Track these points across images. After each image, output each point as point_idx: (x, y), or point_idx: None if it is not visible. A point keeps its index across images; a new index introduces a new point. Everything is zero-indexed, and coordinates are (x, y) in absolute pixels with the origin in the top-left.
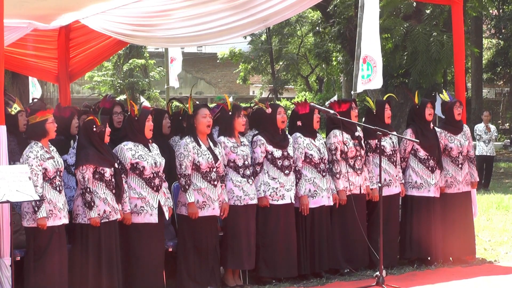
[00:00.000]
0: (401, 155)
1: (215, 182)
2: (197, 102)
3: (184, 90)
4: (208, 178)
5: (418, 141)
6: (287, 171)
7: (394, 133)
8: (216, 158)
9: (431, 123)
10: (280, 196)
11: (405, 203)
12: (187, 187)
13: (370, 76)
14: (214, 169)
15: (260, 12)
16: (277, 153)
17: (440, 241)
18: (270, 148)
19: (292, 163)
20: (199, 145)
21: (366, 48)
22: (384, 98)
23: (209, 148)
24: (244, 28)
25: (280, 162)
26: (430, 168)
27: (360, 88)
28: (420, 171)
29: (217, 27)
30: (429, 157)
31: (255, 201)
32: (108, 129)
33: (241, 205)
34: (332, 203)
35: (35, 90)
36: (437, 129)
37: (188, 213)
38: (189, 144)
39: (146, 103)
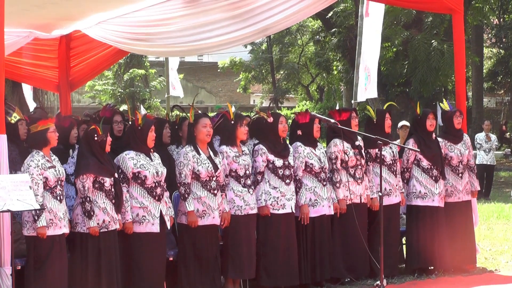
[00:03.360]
0: (404, 165)
1: (215, 191)
2: (199, 111)
3: (185, 99)
4: (208, 187)
5: (419, 150)
6: (288, 181)
7: (395, 142)
8: (216, 167)
9: (433, 133)
10: (281, 205)
11: (410, 213)
12: (186, 195)
13: (365, 85)
14: (214, 178)
15: (260, 22)
16: (278, 162)
17: (442, 250)
18: (271, 157)
19: (292, 172)
20: (199, 154)
21: (365, 57)
22: (385, 107)
23: (209, 157)
24: (244, 37)
25: (281, 172)
26: (433, 178)
27: (359, 97)
28: (424, 181)
29: (217, 37)
30: (432, 166)
31: (255, 211)
32: (109, 139)
33: (241, 214)
34: (332, 212)
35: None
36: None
37: (188, 221)
38: (189, 153)
39: (143, 111)
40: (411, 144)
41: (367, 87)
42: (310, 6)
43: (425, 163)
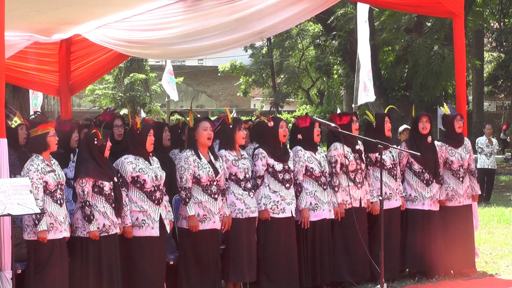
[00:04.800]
0: None
1: (216, 196)
2: (198, 115)
3: (185, 103)
4: (209, 191)
5: (419, 154)
6: (287, 185)
7: (395, 146)
8: (216, 172)
9: (429, 136)
10: (281, 209)
11: (401, 216)
12: (187, 200)
13: (369, 90)
14: (215, 183)
15: (257, 25)
16: (278, 166)
17: (441, 254)
18: (271, 161)
19: (292, 176)
20: (200, 158)
21: (364, 61)
22: (386, 111)
23: (210, 162)
24: (240, 40)
25: (281, 176)
26: (425, 181)
27: (360, 101)
28: (414, 184)
29: (214, 39)
30: (424, 170)
31: (256, 214)
32: (109, 144)
33: (242, 218)
34: (333, 216)
35: (36, 102)
36: (437, 142)
37: (189, 226)
38: (190, 157)
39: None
40: (403, 147)
41: (369, 91)
42: (306, 10)
43: (416, 166)
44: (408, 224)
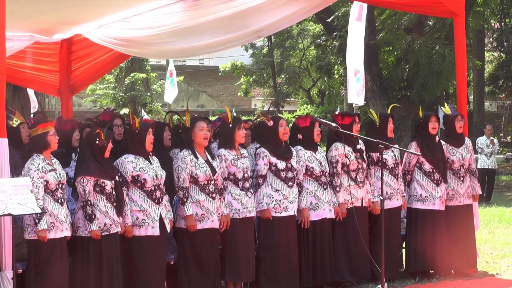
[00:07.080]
0: (405, 168)
1: (214, 195)
2: (196, 115)
3: (186, 103)
4: (206, 190)
5: (420, 154)
6: (290, 183)
7: (396, 146)
8: (214, 171)
9: (437, 136)
10: (284, 208)
11: (410, 216)
12: (185, 199)
13: (357, 90)
14: (212, 182)
15: (255, 23)
16: (281, 165)
17: (443, 254)
18: (273, 160)
19: (295, 175)
20: (197, 158)
21: (353, 61)
22: (389, 109)
23: (207, 161)
24: (239, 39)
25: (283, 174)
26: (435, 181)
27: (353, 100)
28: (425, 184)
29: (214, 38)
30: (434, 170)
31: (253, 214)
32: (110, 145)
33: (239, 218)
34: (333, 216)
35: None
36: None
37: (186, 225)
38: (187, 157)
39: (145, 116)
40: (413, 147)
41: (358, 94)
42: (304, 8)
43: (427, 166)
44: (417, 224)
